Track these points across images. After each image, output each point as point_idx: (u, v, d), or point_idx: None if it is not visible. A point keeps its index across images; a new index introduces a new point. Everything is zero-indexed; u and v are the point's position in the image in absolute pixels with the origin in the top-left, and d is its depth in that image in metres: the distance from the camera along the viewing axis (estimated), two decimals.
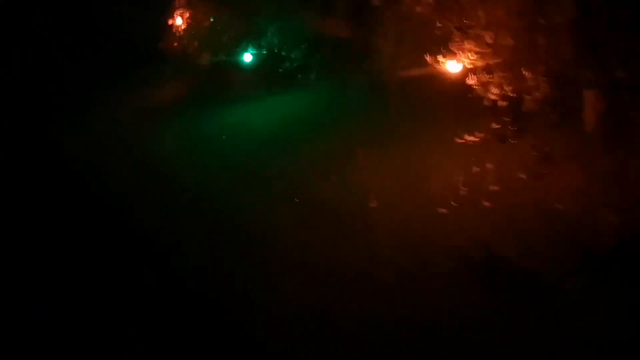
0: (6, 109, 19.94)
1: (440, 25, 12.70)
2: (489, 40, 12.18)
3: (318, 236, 12.11)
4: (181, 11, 19.79)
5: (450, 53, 12.66)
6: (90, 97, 20.50)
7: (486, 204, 12.15)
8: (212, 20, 18.91)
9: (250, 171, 14.79)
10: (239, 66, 18.99)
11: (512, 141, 13.40)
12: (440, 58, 12.84)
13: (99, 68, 21.58)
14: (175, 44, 19.74)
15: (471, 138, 13.93)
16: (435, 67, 13.08)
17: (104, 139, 18.11)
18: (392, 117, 15.09)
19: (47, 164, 16.99)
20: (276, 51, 18.58)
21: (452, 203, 12.26)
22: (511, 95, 12.49)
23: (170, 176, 15.41)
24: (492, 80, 12.44)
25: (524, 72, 12.02)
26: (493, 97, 12.69)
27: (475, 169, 12.87)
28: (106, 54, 22.13)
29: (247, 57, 18.62)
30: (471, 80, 12.62)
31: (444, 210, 12.14)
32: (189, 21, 19.56)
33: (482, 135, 13.81)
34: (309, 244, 11.92)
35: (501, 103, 12.98)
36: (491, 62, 12.39)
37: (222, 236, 12.64)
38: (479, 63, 12.48)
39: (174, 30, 19.91)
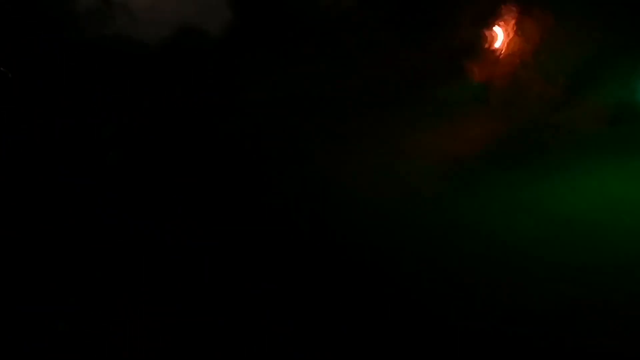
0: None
1: None
2: None
3: None
4: (512, 21, 14.39)
5: None
6: (359, 138, 14.96)
7: None
8: (578, 37, 12.40)
9: None
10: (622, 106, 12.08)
11: None
12: None
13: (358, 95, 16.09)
14: (494, 68, 14.45)
15: None
16: None
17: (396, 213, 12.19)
18: None
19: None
20: None
21: None
22: None
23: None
24: None
25: None
26: None
27: None
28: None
29: None
30: None
31: None
32: (530, 38, 13.94)
33: None
34: None
35: None
36: None
37: None
38: None
39: (493, 48, 14.65)
